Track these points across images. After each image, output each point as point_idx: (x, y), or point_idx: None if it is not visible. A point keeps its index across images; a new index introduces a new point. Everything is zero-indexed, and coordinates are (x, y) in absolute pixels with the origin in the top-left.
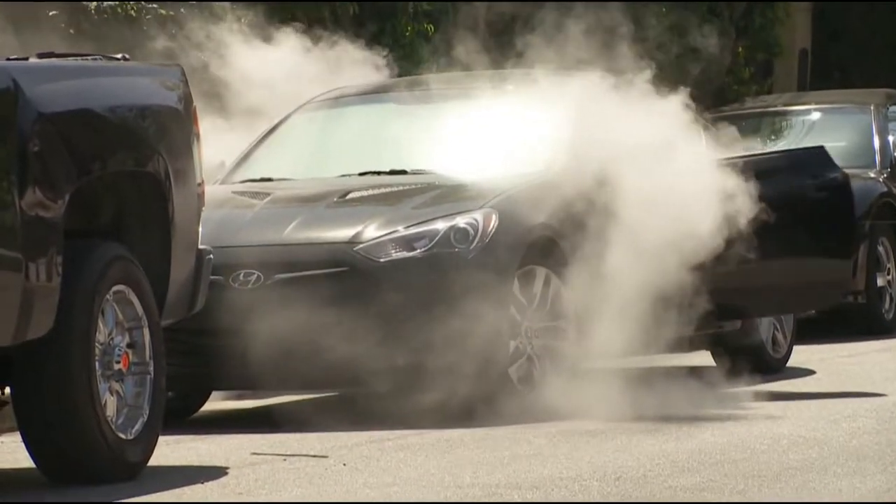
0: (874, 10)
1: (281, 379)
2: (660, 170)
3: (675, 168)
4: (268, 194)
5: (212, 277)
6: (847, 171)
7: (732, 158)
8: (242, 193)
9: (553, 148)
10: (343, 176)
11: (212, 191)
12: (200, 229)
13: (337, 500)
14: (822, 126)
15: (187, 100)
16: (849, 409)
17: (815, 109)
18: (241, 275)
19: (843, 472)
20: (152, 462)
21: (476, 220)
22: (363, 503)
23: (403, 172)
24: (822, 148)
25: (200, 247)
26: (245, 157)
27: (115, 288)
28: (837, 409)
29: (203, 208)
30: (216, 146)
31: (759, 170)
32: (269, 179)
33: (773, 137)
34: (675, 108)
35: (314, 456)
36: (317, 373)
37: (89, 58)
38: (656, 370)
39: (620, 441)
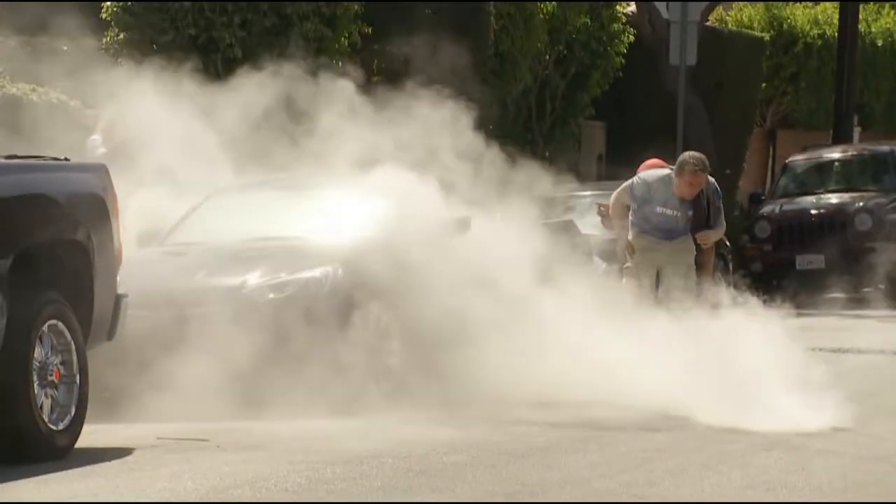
0: (652, 130)
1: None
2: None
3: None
4: (186, 253)
5: (140, 312)
6: None
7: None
8: (169, 253)
9: (382, 220)
10: (240, 240)
11: (150, 251)
12: (118, 279)
13: (202, 469)
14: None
15: (109, 188)
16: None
17: (590, 195)
18: (162, 309)
19: (572, 450)
20: (82, 445)
21: (328, 272)
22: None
23: (281, 238)
24: (571, 221)
25: (119, 292)
26: (174, 228)
27: (49, 322)
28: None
29: (121, 266)
30: None
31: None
32: (189, 243)
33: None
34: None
35: (198, 440)
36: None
37: (41, 158)
38: None
39: (412, 430)
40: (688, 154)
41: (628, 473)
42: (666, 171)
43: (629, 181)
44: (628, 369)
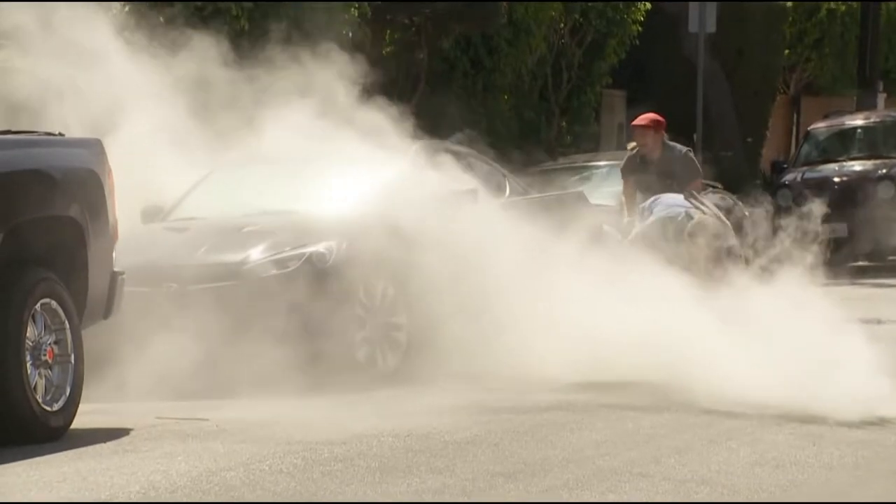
0: (673, 98)
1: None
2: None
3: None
4: (188, 229)
5: (142, 288)
6: None
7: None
8: (171, 229)
9: (380, 195)
10: (243, 215)
11: (152, 227)
12: (114, 256)
13: (198, 451)
14: (612, 175)
15: (103, 163)
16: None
17: (606, 165)
18: (164, 285)
19: (577, 427)
20: (79, 425)
21: (332, 246)
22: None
23: (284, 212)
24: (581, 192)
25: (115, 269)
26: (177, 204)
27: (42, 301)
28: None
29: (117, 242)
30: None
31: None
32: (192, 218)
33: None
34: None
35: (199, 419)
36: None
37: (35, 133)
38: None
39: (415, 407)
40: (699, 223)
41: (634, 451)
42: (678, 210)
43: (644, 205)
44: (639, 345)
